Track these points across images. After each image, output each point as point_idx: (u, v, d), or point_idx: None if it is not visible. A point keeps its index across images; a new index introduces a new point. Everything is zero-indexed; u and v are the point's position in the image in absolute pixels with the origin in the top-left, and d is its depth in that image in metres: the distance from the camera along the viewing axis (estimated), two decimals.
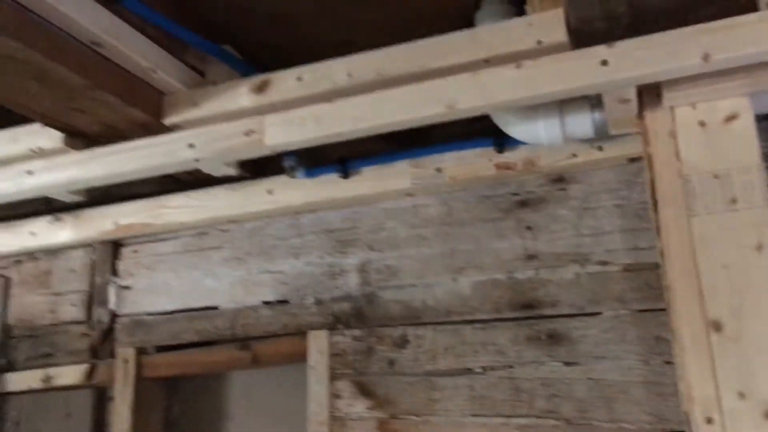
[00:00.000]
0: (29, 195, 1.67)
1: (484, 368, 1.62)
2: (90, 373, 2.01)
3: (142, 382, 1.98)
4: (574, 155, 1.57)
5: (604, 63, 1.21)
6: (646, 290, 1.53)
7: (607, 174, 1.62)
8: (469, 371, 1.64)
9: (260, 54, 1.70)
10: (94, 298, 2.09)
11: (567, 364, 1.56)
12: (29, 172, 1.62)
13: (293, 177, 1.77)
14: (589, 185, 1.63)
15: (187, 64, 1.55)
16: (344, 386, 1.73)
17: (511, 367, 1.60)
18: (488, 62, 1.30)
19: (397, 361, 1.71)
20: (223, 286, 1.94)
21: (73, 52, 1.30)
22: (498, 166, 1.63)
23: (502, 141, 1.61)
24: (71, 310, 2.10)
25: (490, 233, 1.70)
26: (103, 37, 1.32)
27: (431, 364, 1.67)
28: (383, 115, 1.34)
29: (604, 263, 1.58)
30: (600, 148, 1.56)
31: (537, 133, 1.48)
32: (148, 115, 1.50)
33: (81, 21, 1.27)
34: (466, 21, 1.51)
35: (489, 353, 1.63)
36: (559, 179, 1.65)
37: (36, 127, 1.60)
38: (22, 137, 1.63)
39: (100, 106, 1.43)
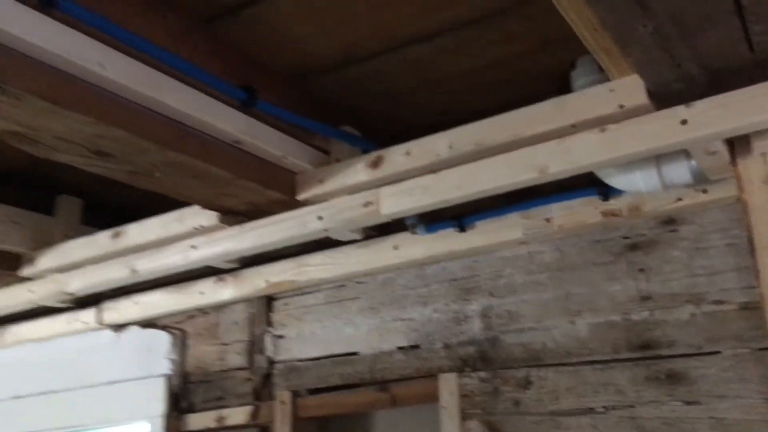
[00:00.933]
0: (195, 265, 1.98)
1: (606, 408, 1.69)
2: (254, 414, 2.29)
3: (298, 422, 2.22)
4: (679, 199, 1.62)
5: (684, 122, 1.28)
6: (765, 328, 1.54)
7: (717, 214, 1.65)
8: (591, 411, 1.71)
9: (376, 126, 1.91)
10: (254, 346, 2.38)
11: (687, 403, 1.59)
12: (193, 247, 1.93)
13: (415, 234, 1.94)
14: (699, 225, 1.67)
15: (313, 146, 1.79)
16: (474, 425, 1.86)
17: (632, 406, 1.66)
18: (575, 127, 1.41)
19: (522, 401, 1.81)
20: (361, 333, 2.15)
21: (219, 152, 1.57)
22: (604, 214, 1.71)
23: (606, 190, 1.69)
24: (236, 357, 2.41)
25: (603, 276, 1.77)
26: (242, 137, 1.58)
27: (554, 404, 1.76)
28: (482, 182, 1.48)
29: (719, 302, 1.60)
30: (704, 191, 1.59)
31: (636, 183, 1.55)
32: (283, 194, 1.74)
33: (224, 127, 1.53)
34: (561, 79, 1.63)
35: (609, 393, 1.70)
36: (669, 221, 1.70)
37: (196, 209, 1.91)
38: (187, 218, 1.94)
39: (245, 191, 1.70)
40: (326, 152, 1.82)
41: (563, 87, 1.55)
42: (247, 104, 1.55)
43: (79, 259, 2.16)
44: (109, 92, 1.34)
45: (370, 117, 1.89)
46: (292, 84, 1.73)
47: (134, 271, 2.06)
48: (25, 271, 2.28)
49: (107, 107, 1.34)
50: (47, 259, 2.22)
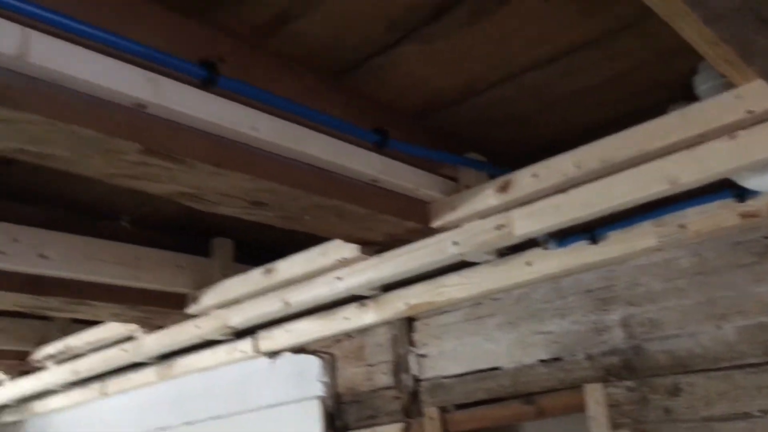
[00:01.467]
0: (340, 295, 2.13)
1: (764, 411, 1.66)
2: (406, 430, 2.40)
3: None
4: None
5: None
6: None
7: None
8: (747, 415, 1.69)
9: (499, 150, 1.98)
10: (399, 366, 2.50)
11: None
12: (338, 278, 2.08)
13: (547, 249, 1.99)
14: None
15: (442, 175, 1.89)
16: None
17: None
18: (703, 136, 1.43)
19: (673, 408, 1.81)
20: (502, 348, 2.21)
21: (359, 191, 1.71)
22: (742, 215, 1.69)
23: (741, 191, 1.67)
24: (383, 377, 2.54)
25: (748, 278, 1.75)
26: (378, 176, 1.71)
27: (707, 410, 1.75)
28: (612, 198, 1.52)
29: None
30: None
31: None
32: (418, 223, 1.86)
33: (361, 168, 1.67)
34: (680, 88, 1.64)
35: (765, 396, 1.67)
36: None
37: (338, 243, 2.06)
38: (330, 252, 2.10)
39: (383, 224, 1.83)
40: (454, 179, 1.91)
41: (684, 94, 1.57)
42: (380, 145, 1.68)
43: (237, 296, 2.37)
44: (262, 150, 1.51)
45: (492, 142, 1.97)
46: (417, 120, 1.85)
47: (287, 304, 2.24)
48: (191, 309, 2.53)
49: (262, 164, 1.50)
50: (209, 297, 2.46)
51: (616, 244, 1.90)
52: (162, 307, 2.50)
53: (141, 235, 2.43)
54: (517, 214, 1.70)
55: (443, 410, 2.33)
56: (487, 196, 1.77)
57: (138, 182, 1.49)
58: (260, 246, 2.69)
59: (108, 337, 2.86)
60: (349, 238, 1.96)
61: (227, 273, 2.55)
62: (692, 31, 1.15)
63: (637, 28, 1.52)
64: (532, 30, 1.51)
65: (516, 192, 1.71)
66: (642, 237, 1.85)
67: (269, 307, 2.29)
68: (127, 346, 2.78)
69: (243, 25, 1.45)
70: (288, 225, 1.81)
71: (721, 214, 1.72)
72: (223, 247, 2.63)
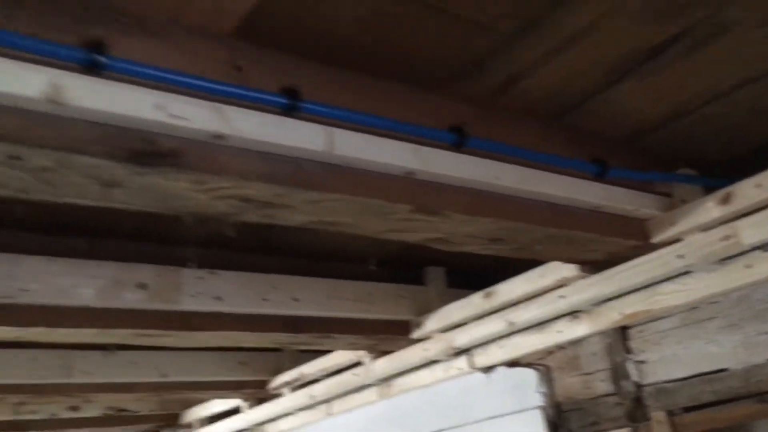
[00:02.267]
0: (563, 312, 2.30)
1: None
2: None
3: None
4: None
5: None
6: None
7: None
8: None
9: (708, 162, 2.07)
10: (617, 373, 2.61)
11: None
12: (561, 297, 2.25)
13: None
14: None
15: (657, 193, 2.01)
16: None
17: None
18: None
19: None
20: (726, 350, 2.27)
21: (585, 219, 1.87)
22: None
23: None
24: (602, 385, 2.66)
25: None
26: (601, 203, 1.86)
27: None
28: None
29: None
30: None
31: None
32: (639, 240, 1.99)
33: (586, 198, 1.83)
34: None
35: None
36: None
37: (556, 264, 2.23)
38: (548, 273, 2.27)
39: (606, 245, 1.98)
40: (668, 195, 2.03)
41: None
42: (600, 175, 1.84)
43: (460, 319, 2.60)
44: (503, 195, 1.72)
45: (701, 156, 2.07)
46: (629, 144, 1.98)
47: (511, 323, 2.44)
48: (415, 334, 2.79)
49: (503, 207, 1.71)
50: (432, 322, 2.71)
51: None
52: (390, 334, 2.79)
53: (367, 273, 2.74)
54: (742, 224, 1.79)
55: (670, 413, 2.42)
56: (709, 209, 1.87)
57: (399, 234, 1.75)
58: (469, 272, 2.92)
59: (338, 364, 3.20)
60: (571, 260, 2.13)
61: (443, 298, 2.80)
62: None
63: None
64: (747, 53, 1.62)
65: (739, 203, 1.80)
66: None
67: (494, 328, 2.50)
68: (357, 370, 3.10)
69: (479, 90, 1.67)
70: (517, 255, 2.00)
71: None
72: (436, 275, 2.88)
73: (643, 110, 1.84)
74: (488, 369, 3.01)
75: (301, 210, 1.51)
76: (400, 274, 2.88)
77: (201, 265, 2.28)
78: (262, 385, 3.64)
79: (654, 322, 2.51)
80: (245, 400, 3.92)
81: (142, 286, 2.17)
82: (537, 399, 2.83)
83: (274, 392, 3.66)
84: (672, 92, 1.77)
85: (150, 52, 1.26)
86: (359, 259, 2.75)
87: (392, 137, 1.53)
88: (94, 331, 2.18)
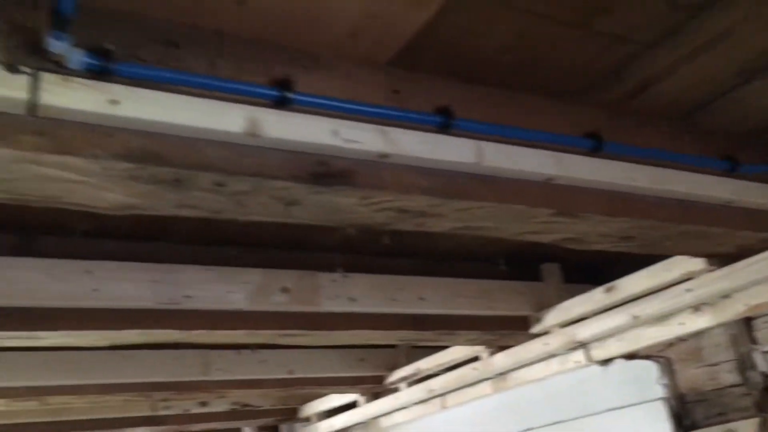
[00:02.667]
0: (687, 306, 2.34)
1: None
2: (763, 425, 2.52)
3: None
4: None
5: None
6: None
7: None
8: None
9: None
10: (744, 364, 2.62)
11: None
12: (688, 290, 2.29)
13: None
14: None
15: None
16: None
17: None
18: None
19: None
20: None
21: (716, 214, 1.91)
22: None
23: None
24: (728, 376, 2.67)
25: None
26: (732, 197, 1.91)
27: None
28: None
29: None
30: None
31: None
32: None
33: (715, 193, 1.88)
34: None
35: None
36: None
37: (681, 258, 2.27)
38: (673, 267, 2.32)
39: (736, 238, 2.01)
40: None
41: None
42: (731, 170, 1.88)
43: (581, 313, 2.67)
44: (637, 195, 1.79)
45: None
46: (760, 141, 2.01)
47: (636, 317, 2.50)
48: (535, 329, 2.88)
49: (637, 207, 1.79)
50: (552, 317, 2.79)
51: None
52: (510, 329, 2.89)
53: (486, 271, 2.84)
54: None
55: None
56: None
57: (536, 236, 1.85)
58: (584, 266, 2.98)
59: (455, 359, 3.32)
60: (699, 254, 2.17)
61: (560, 294, 2.87)
62: None
63: None
64: None
65: None
66: None
67: (617, 321, 2.56)
68: (476, 365, 3.21)
69: (612, 97, 1.75)
70: (646, 251, 2.06)
71: None
72: (552, 271, 2.95)
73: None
74: (606, 362, 3.06)
75: (450, 217, 1.63)
76: (516, 271, 2.97)
77: (338, 269, 2.45)
78: (379, 380, 3.80)
79: None
80: (362, 394, 4.09)
81: (285, 290, 2.36)
82: (659, 391, 2.86)
83: (392, 386, 3.82)
84: None
85: (324, 84, 1.41)
86: (479, 259, 2.86)
87: (533, 146, 1.63)
88: (244, 332, 2.38)
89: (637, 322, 2.54)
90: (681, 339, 2.86)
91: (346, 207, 1.51)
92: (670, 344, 2.91)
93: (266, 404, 4.51)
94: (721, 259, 2.19)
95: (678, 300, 2.34)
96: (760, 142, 2.02)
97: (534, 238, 1.87)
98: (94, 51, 1.16)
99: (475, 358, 3.24)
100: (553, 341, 2.83)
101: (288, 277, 2.38)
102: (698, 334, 2.78)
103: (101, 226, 2.11)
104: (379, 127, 1.44)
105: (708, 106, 1.85)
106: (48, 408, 3.54)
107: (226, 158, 1.30)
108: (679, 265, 2.30)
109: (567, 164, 1.66)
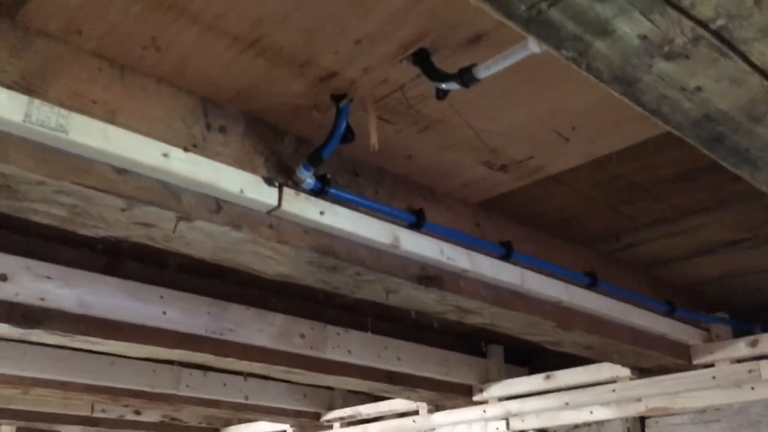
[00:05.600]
0: (610, 402, 3.01)
1: None
2: None
3: None
4: None
5: None
6: None
7: None
8: None
9: (750, 311, 2.85)
10: None
11: None
12: (612, 390, 2.97)
13: None
14: None
15: (699, 328, 2.76)
16: None
17: None
18: None
19: None
20: None
21: (652, 341, 2.60)
22: None
23: None
24: None
25: None
26: (666, 331, 2.60)
27: None
28: None
29: None
30: None
31: None
32: (682, 360, 2.73)
33: (656, 327, 2.57)
34: None
35: None
36: None
37: (610, 365, 2.95)
38: (604, 370, 2.99)
39: (661, 360, 2.70)
40: (707, 330, 2.78)
41: None
42: (669, 313, 2.58)
43: (520, 391, 3.30)
44: (606, 320, 2.43)
45: (734, 304, 2.84)
46: (688, 292, 2.74)
47: (567, 404, 3.14)
48: (476, 397, 3.48)
49: (606, 329, 2.43)
50: (494, 390, 3.40)
51: None
52: (457, 394, 3.46)
53: (445, 342, 3.42)
54: (764, 363, 2.55)
55: None
56: (740, 348, 2.63)
57: (531, 336, 2.45)
58: (519, 352, 3.63)
59: (396, 409, 3.85)
60: (629, 365, 2.85)
61: (500, 371, 3.50)
62: None
63: None
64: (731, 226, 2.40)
65: (764, 347, 2.56)
66: None
67: (552, 404, 3.19)
68: (416, 418, 3.75)
69: (607, 249, 2.41)
70: (595, 357, 2.72)
71: None
72: (496, 351, 3.58)
73: (707, 273, 2.60)
74: None
75: (486, 316, 2.20)
76: (467, 346, 3.57)
77: (340, 324, 2.94)
78: (317, 417, 4.25)
79: (669, 417, 3.25)
80: (291, 426, 4.50)
81: (302, 336, 2.82)
82: None
83: (326, 424, 4.27)
84: (733, 265, 2.53)
85: (435, 213, 1.95)
86: (442, 331, 3.44)
87: (553, 276, 2.24)
88: (262, 365, 2.81)
89: (569, 408, 3.19)
90: (586, 424, 3.55)
91: (425, 300, 2.04)
92: (575, 426, 3.59)
93: (193, 421, 4.80)
94: (642, 371, 2.89)
95: (604, 396, 3.01)
96: (688, 293, 2.75)
97: (529, 337, 2.47)
98: (319, 178, 1.65)
99: (416, 412, 3.78)
100: (490, 410, 3.43)
101: (304, 325, 2.84)
102: (600, 423, 3.48)
103: (175, 260, 2.50)
104: (466, 250, 1.99)
105: (665, 265, 2.55)
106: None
107: (370, 258, 1.80)
108: (609, 369, 2.98)
109: (572, 292, 2.28)
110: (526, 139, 1.73)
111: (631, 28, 0.93)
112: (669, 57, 0.98)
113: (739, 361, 2.66)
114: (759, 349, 2.59)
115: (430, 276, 1.95)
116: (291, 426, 4.51)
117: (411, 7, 1.29)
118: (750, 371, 2.59)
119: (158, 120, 1.48)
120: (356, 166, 1.82)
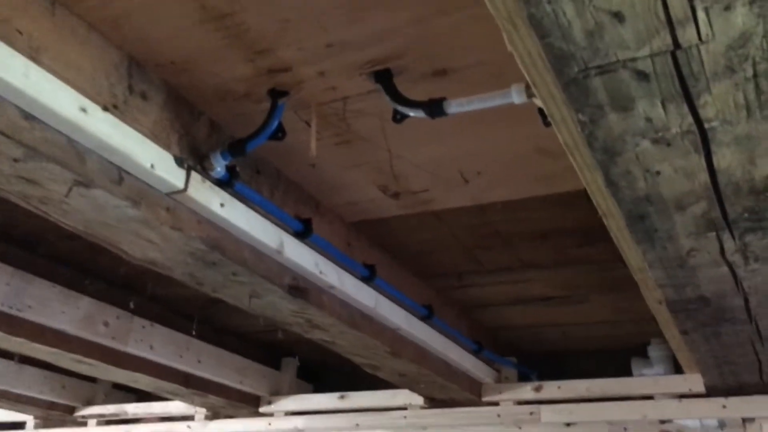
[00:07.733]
0: (401, 429, 3.15)
1: None
2: None
3: None
4: None
5: (724, 407, 2.55)
6: None
7: None
8: None
9: (535, 360, 3.17)
10: None
11: None
12: (404, 417, 3.10)
13: None
14: None
15: (492, 367, 3.02)
16: None
17: None
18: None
19: None
20: None
21: (458, 375, 2.79)
22: None
23: None
24: None
25: None
26: (470, 369, 2.80)
27: None
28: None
29: None
30: None
31: None
32: (473, 395, 2.96)
33: (464, 363, 2.76)
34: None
35: None
36: None
37: (405, 392, 3.09)
38: (399, 396, 3.13)
39: (457, 393, 2.90)
40: (498, 371, 3.05)
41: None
42: (476, 352, 2.79)
43: (310, 409, 3.31)
44: (428, 351, 2.56)
45: (521, 351, 3.15)
46: (493, 336, 2.99)
47: (357, 425, 3.21)
48: (263, 410, 3.41)
49: (425, 359, 2.55)
50: (284, 404, 3.37)
51: None
52: (245, 403, 3.37)
53: (243, 349, 3.33)
54: (546, 408, 2.86)
55: None
56: (526, 391, 2.92)
57: (360, 359, 2.48)
58: (318, 368, 3.65)
59: (170, 413, 3.62)
60: (424, 395, 3.01)
61: (291, 385, 3.48)
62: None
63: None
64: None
65: (546, 394, 2.87)
66: None
67: (342, 424, 3.24)
68: (191, 423, 3.56)
69: (446, 287, 2.54)
70: (403, 384, 2.84)
71: None
72: (290, 365, 3.55)
73: (514, 321, 2.86)
74: None
75: (331, 333, 2.19)
76: (260, 355, 3.50)
77: (144, 315, 2.72)
78: (71, 410, 3.83)
79: None
80: (36, 418, 4.01)
81: (106, 324, 2.55)
82: None
83: (80, 420, 3.86)
84: (537, 317, 2.81)
85: (318, 226, 1.91)
86: (238, 336, 3.34)
87: (399, 304, 2.31)
88: (54, 350, 2.48)
89: (356, 428, 3.26)
90: None
91: (284, 309, 1.98)
92: None
93: None
94: (434, 401, 3.07)
95: (395, 422, 3.14)
96: (489, 337, 3.00)
97: (355, 358, 2.50)
98: (229, 169, 1.53)
99: (192, 417, 3.59)
100: (276, 423, 3.39)
101: (111, 313, 2.58)
102: None
103: None
104: (337, 267, 1.98)
105: (483, 308, 2.77)
106: None
107: (252, 260, 1.71)
108: (404, 396, 3.12)
109: (411, 322, 2.37)
110: (431, 173, 1.78)
111: (645, 109, 1.02)
112: (655, 141, 1.09)
113: (522, 403, 2.95)
114: (542, 394, 2.91)
115: (300, 287, 1.90)
116: (35, 418, 4.01)
117: (400, 28, 1.27)
118: (531, 413, 2.89)
119: (82, 70, 1.26)
120: (258, 163, 1.72)
